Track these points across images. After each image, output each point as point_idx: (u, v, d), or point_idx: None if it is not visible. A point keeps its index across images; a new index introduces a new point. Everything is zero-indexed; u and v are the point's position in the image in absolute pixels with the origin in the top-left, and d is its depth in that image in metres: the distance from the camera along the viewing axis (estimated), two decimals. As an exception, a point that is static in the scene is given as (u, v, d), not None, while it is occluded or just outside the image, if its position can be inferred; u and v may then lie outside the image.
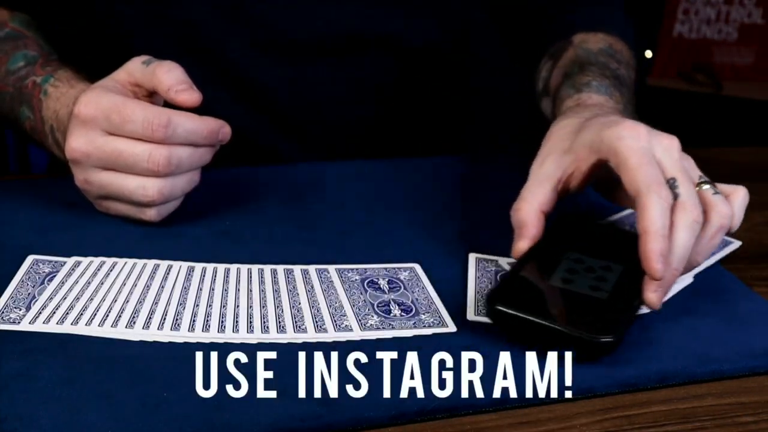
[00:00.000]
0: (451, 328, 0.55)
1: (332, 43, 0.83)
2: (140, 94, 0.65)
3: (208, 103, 0.84)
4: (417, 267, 0.62)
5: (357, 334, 0.54)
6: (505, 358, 0.52)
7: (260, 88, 0.83)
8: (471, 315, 0.56)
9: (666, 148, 0.57)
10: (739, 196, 0.59)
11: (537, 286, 0.56)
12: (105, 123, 0.62)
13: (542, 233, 0.59)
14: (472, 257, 0.63)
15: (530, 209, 0.59)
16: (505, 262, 0.63)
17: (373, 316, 0.55)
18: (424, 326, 0.55)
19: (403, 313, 0.56)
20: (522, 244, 0.58)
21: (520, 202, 0.59)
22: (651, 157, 0.55)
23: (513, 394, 0.50)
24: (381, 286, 0.59)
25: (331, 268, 0.61)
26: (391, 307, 0.56)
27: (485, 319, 0.56)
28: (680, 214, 0.54)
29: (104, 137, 0.62)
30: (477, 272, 0.61)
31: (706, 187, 0.57)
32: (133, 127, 0.61)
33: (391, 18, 0.84)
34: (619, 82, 0.73)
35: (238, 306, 0.56)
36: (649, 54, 2.07)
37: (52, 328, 0.53)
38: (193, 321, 0.54)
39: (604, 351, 0.52)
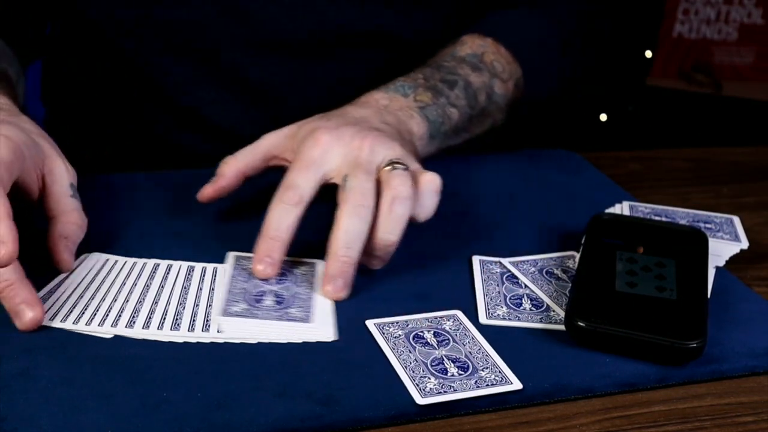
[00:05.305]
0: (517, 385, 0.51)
1: (327, 39, 0.83)
2: (34, 179, 0.59)
3: (207, 103, 0.84)
4: (459, 314, 0.57)
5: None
6: (504, 358, 0.52)
7: (257, 86, 0.83)
8: (483, 319, 0.56)
9: (350, 149, 0.61)
10: (423, 179, 0.61)
11: (607, 294, 0.57)
12: None
13: (231, 188, 0.66)
14: (476, 260, 0.63)
15: (234, 166, 0.66)
16: (507, 262, 0.63)
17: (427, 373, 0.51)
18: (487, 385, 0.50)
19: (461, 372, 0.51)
20: (208, 190, 0.66)
21: (231, 157, 0.67)
22: (309, 165, 0.61)
23: (513, 393, 0.50)
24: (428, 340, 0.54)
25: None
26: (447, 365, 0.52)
27: (498, 323, 0.56)
28: (341, 205, 0.59)
29: None
30: (483, 275, 0.61)
31: (387, 168, 0.60)
32: None
33: (386, 12, 0.84)
34: (446, 86, 0.76)
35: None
36: (649, 54, 2.07)
37: (55, 324, 0.53)
38: (193, 321, 0.54)
39: (692, 356, 0.53)
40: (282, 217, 0.59)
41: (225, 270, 0.60)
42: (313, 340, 0.53)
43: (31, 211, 0.60)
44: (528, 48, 0.84)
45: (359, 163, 0.61)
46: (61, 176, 0.61)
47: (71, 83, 0.91)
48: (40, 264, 0.59)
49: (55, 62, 0.93)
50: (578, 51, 0.91)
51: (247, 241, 0.65)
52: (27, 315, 0.52)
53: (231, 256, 0.61)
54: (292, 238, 0.59)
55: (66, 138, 0.71)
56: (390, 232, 0.58)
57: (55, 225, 0.59)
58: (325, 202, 0.61)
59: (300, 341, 0.53)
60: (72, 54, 0.89)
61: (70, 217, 0.60)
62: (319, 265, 0.61)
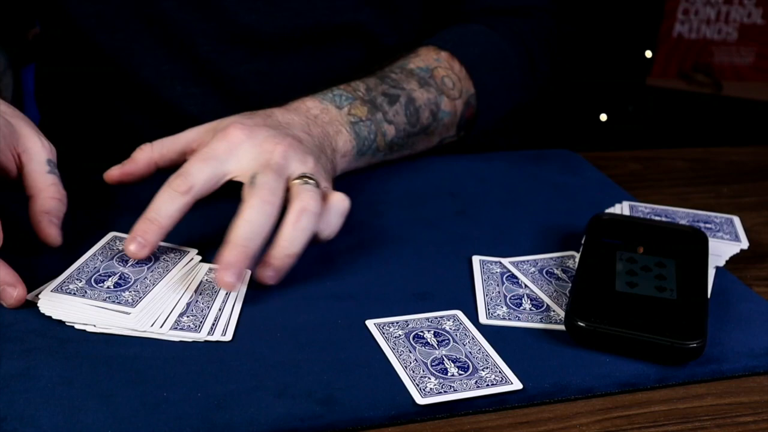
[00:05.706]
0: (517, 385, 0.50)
1: (301, 34, 0.82)
2: (10, 159, 0.61)
3: (183, 98, 0.84)
4: (459, 314, 0.57)
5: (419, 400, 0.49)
6: (504, 358, 0.52)
7: (233, 82, 0.83)
8: (483, 319, 0.56)
9: (262, 150, 0.61)
10: (333, 198, 0.61)
11: (607, 294, 0.57)
12: None
13: (141, 175, 0.65)
14: (476, 260, 0.63)
15: (148, 154, 0.65)
16: (507, 262, 0.63)
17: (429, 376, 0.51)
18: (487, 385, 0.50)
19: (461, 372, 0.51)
20: (115, 171, 0.64)
21: (148, 145, 0.65)
22: (209, 157, 0.60)
23: (513, 393, 0.50)
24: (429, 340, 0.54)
25: (370, 324, 0.55)
26: (447, 365, 0.52)
27: (498, 323, 0.56)
28: (247, 199, 0.58)
29: None
30: (483, 275, 0.61)
31: (298, 181, 0.60)
32: None
33: (359, 6, 0.83)
34: (387, 100, 0.74)
35: (233, 307, 0.56)
36: (649, 54, 2.07)
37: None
38: (194, 321, 0.54)
39: (692, 356, 0.53)
40: (165, 203, 0.58)
41: (94, 247, 0.59)
42: (132, 330, 0.52)
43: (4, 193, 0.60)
44: (484, 66, 0.82)
45: (270, 165, 0.60)
46: (37, 153, 0.61)
47: (62, 84, 0.91)
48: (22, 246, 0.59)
49: (46, 63, 0.93)
50: (540, 70, 0.88)
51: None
52: (11, 294, 0.54)
53: (109, 235, 0.61)
54: (172, 225, 0.58)
55: (62, 139, 0.71)
56: (292, 243, 0.57)
57: (35, 202, 0.59)
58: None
59: (118, 331, 0.52)
60: (60, 54, 0.88)
61: (48, 193, 0.60)
62: (190, 253, 0.60)
